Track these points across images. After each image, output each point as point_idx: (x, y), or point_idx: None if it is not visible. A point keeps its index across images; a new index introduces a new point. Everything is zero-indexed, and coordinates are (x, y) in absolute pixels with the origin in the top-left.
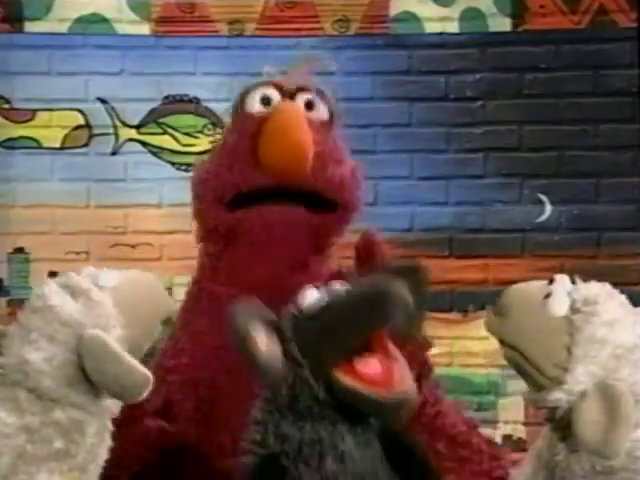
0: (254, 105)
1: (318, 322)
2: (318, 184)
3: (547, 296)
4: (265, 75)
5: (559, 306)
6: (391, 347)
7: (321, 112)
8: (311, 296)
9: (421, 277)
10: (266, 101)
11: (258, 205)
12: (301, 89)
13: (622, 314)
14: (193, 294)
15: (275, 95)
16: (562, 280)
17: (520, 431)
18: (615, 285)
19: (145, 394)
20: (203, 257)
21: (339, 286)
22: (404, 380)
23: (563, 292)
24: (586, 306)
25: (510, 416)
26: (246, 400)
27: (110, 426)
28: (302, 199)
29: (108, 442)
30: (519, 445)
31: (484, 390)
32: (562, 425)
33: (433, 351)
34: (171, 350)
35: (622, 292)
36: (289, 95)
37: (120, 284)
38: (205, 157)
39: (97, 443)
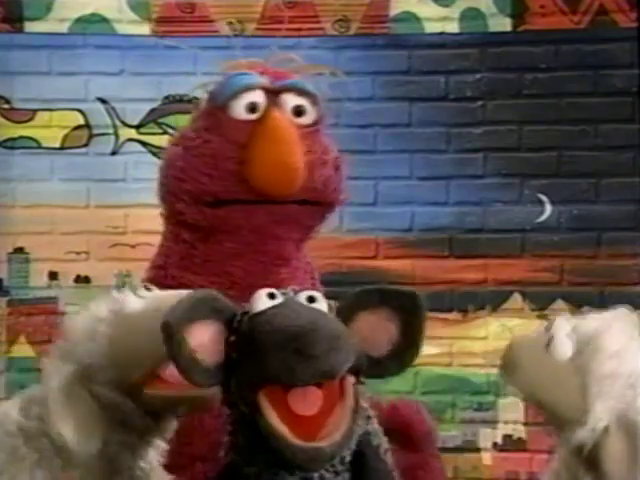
0: (240, 112)
1: (260, 334)
2: (304, 194)
3: (549, 343)
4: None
5: (562, 350)
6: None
7: (310, 116)
8: (264, 300)
9: (414, 306)
10: (253, 108)
11: (242, 204)
12: (288, 90)
13: (625, 341)
14: (157, 281)
15: (261, 98)
16: (560, 322)
17: (520, 431)
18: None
19: None
20: (171, 242)
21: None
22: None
23: (563, 335)
24: (588, 344)
25: (510, 416)
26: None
27: None
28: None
29: None
30: (519, 445)
31: (484, 390)
32: (589, 459)
33: (433, 351)
34: None
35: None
36: (276, 93)
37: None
38: (175, 146)
39: None
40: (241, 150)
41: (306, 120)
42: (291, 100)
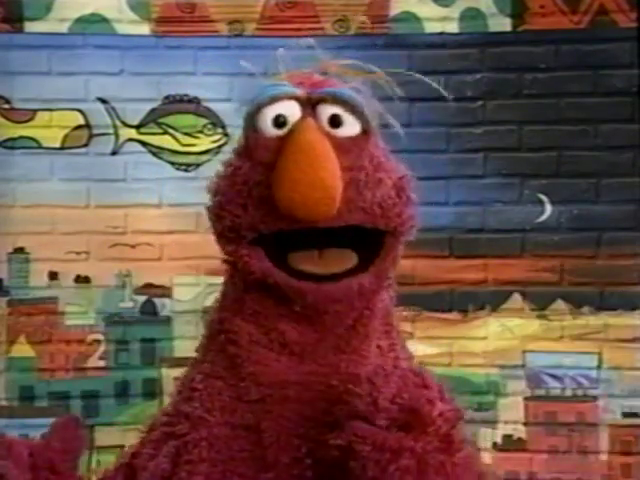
0: (267, 127)
1: None
2: (354, 217)
3: None
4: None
5: None
6: None
7: (351, 127)
8: None
9: None
10: (281, 121)
11: (292, 252)
12: (323, 99)
13: None
14: (214, 322)
15: (293, 110)
16: None
17: (520, 431)
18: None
19: None
20: (227, 281)
21: None
22: None
23: None
24: None
25: (510, 416)
26: (268, 470)
27: None
28: (340, 232)
29: None
30: (519, 445)
31: (484, 390)
32: None
33: (433, 351)
34: (186, 391)
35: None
36: (311, 105)
37: None
38: (218, 179)
39: None
40: (269, 172)
41: (346, 131)
42: (327, 110)
